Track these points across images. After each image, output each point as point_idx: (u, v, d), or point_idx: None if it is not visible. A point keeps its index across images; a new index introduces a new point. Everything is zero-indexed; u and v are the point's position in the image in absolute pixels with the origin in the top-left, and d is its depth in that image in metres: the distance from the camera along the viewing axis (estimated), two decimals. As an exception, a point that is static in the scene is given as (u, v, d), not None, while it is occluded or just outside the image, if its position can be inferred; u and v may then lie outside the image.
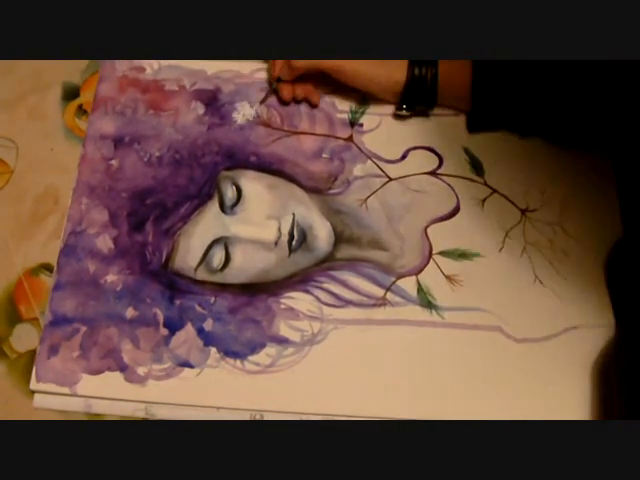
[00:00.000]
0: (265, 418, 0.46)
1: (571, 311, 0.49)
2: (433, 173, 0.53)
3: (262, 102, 0.55)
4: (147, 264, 0.49)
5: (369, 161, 0.53)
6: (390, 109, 0.55)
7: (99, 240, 0.50)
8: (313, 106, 0.55)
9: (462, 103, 0.52)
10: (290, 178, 0.53)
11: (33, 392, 0.47)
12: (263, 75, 0.57)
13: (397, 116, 0.55)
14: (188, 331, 0.48)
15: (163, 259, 0.50)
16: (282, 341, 0.48)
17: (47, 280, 0.50)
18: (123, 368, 0.47)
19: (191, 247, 0.50)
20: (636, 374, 0.42)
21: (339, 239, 0.51)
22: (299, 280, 0.49)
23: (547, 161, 0.52)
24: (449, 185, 0.53)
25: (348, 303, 0.49)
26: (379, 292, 0.49)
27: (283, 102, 0.55)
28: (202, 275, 0.49)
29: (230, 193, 0.51)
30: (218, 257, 0.49)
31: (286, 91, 0.55)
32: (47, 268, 0.50)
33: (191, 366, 0.47)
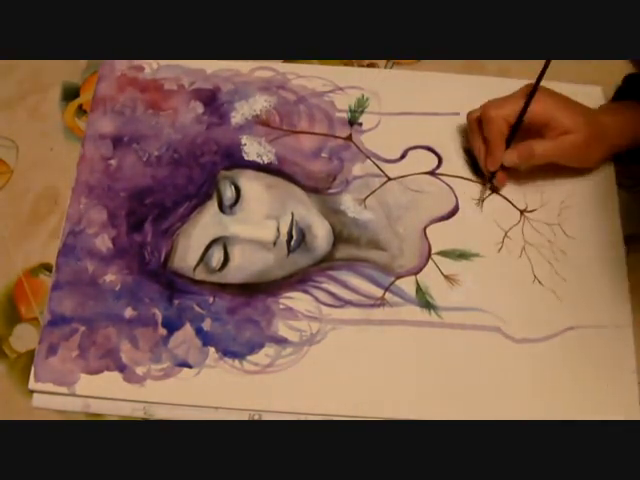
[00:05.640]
0: (263, 418, 0.46)
1: (570, 311, 0.49)
2: (432, 173, 0.53)
3: (481, 200, 0.52)
4: (146, 264, 0.49)
5: (368, 160, 0.53)
6: (389, 108, 0.55)
7: (98, 240, 0.50)
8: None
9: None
10: (289, 178, 0.52)
11: (32, 392, 0.47)
12: (262, 74, 0.56)
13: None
14: (187, 331, 0.47)
15: (162, 259, 0.50)
16: (281, 341, 0.48)
17: (47, 280, 0.50)
18: (122, 368, 0.46)
19: (190, 247, 0.50)
20: None
21: (338, 239, 0.51)
22: (298, 280, 0.49)
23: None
24: (448, 185, 0.53)
25: (347, 303, 0.49)
26: (378, 292, 0.49)
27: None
28: (201, 275, 0.49)
29: (229, 193, 0.51)
30: (217, 257, 0.49)
31: (504, 180, 0.51)
32: (47, 268, 0.50)
33: (189, 366, 0.47)
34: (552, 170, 0.52)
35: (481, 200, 0.52)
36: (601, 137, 0.49)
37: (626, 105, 0.51)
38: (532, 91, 0.47)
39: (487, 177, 0.51)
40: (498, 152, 0.49)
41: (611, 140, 0.50)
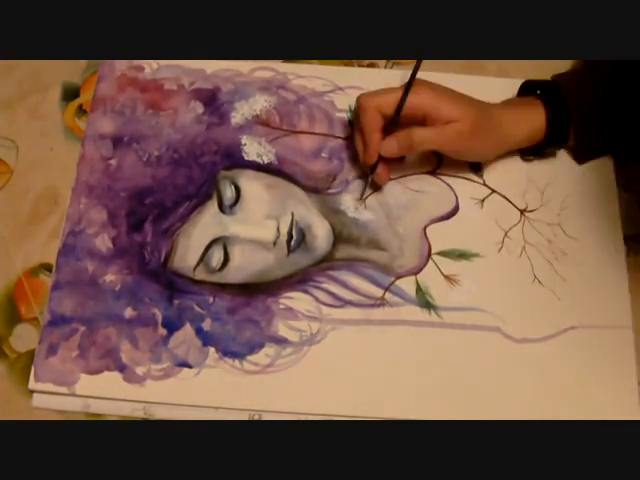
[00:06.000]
0: (263, 418, 0.46)
1: (570, 311, 0.49)
2: (432, 173, 0.53)
3: (363, 198, 0.51)
4: (146, 264, 0.49)
5: (368, 160, 0.53)
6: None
7: (98, 240, 0.50)
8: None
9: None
10: (289, 178, 0.52)
11: (32, 392, 0.47)
12: (262, 74, 0.56)
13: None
14: (187, 331, 0.48)
15: (162, 259, 0.50)
16: (281, 341, 0.48)
17: (47, 280, 0.50)
18: (122, 368, 0.46)
19: (190, 247, 0.50)
20: None
21: (338, 239, 0.51)
22: (298, 280, 0.49)
23: (547, 161, 0.52)
24: (448, 185, 0.53)
25: (347, 303, 0.49)
26: (378, 292, 0.49)
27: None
28: (201, 275, 0.49)
29: (229, 193, 0.51)
30: (217, 257, 0.49)
31: (385, 175, 0.50)
32: (47, 268, 0.50)
33: (189, 366, 0.47)
34: (552, 170, 0.53)
35: (362, 199, 0.51)
36: (491, 129, 0.48)
37: (525, 100, 0.51)
38: (408, 84, 0.47)
39: (369, 172, 0.50)
40: (373, 143, 0.48)
41: (506, 132, 0.49)
